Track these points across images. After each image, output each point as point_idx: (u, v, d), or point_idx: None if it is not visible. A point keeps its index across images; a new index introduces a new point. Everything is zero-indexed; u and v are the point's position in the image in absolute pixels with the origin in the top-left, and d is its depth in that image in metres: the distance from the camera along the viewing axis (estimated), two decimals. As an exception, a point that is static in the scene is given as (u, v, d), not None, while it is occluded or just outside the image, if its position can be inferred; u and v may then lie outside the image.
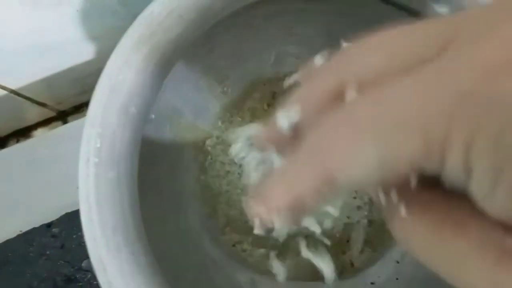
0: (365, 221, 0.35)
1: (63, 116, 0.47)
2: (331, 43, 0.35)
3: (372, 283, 0.34)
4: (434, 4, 0.25)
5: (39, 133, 0.46)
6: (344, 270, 0.35)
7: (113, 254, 0.22)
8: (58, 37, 0.37)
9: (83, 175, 0.22)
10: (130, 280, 0.22)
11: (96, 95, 0.23)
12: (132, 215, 0.23)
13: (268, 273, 0.35)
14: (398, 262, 0.34)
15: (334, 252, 0.35)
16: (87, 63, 0.41)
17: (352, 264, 0.35)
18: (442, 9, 0.25)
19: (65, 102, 0.46)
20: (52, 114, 0.47)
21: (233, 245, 0.35)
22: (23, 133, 0.47)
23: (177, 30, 0.24)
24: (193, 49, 0.29)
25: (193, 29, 0.25)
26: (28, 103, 0.43)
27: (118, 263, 0.22)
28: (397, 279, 0.33)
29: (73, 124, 0.41)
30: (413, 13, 0.27)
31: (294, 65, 0.37)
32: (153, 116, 0.28)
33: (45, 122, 0.47)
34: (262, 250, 0.35)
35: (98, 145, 0.22)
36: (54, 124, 0.47)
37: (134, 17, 0.24)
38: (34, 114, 0.46)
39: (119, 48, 0.23)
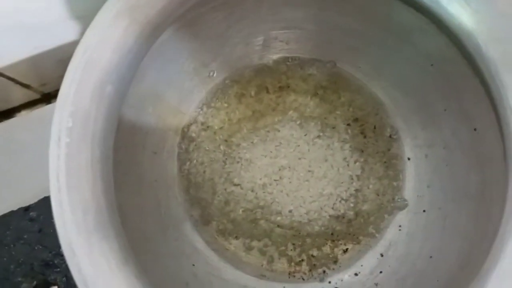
0: (351, 213, 0.34)
1: (47, 98, 0.46)
2: (320, 29, 0.34)
3: (355, 274, 0.34)
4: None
5: (22, 115, 0.45)
6: (327, 261, 0.34)
7: (83, 237, 0.21)
8: (44, 15, 0.36)
9: (54, 155, 0.21)
10: (100, 264, 0.21)
11: (69, 72, 0.22)
12: (106, 198, 0.22)
13: (249, 264, 0.35)
14: (382, 256, 0.34)
15: (318, 244, 0.34)
16: (73, 43, 0.40)
17: (336, 256, 0.34)
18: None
19: (49, 83, 0.45)
20: (36, 96, 0.46)
21: (216, 234, 0.35)
22: (6, 115, 0.46)
23: (159, 4, 0.23)
24: (179, 28, 0.28)
25: (177, 4, 0.24)
26: (11, 84, 0.42)
27: (88, 247, 0.21)
28: (380, 272, 0.33)
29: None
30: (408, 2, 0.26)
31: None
32: (132, 99, 0.27)
33: (29, 104, 0.46)
34: (244, 240, 0.35)
35: (70, 125, 0.21)
36: (38, 106, 0.46)
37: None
38: (17, 95, 0.45)
39: (96, 22, 0.22)
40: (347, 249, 0.34)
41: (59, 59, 0.41)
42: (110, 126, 0.23)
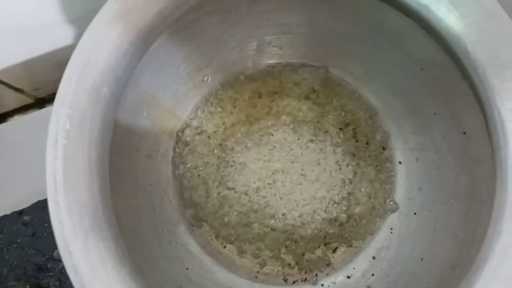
0: (343, 216, 0.35)
1: (41, 103, 0.46)
2: (312, 34, 0.34)
3: (348, 277, 0.34)
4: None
5: (15, 120, 0.45)
6: (320, 264, 0.35)
7: (80, 238, 0.21)
8: (38, 19, 0.36)
9: (51, 156, 0.21)
10: (97, 265, 0.21)
11: (66, 74, 0.22)
12: (102, 199, 0.22)
13: (243, 268, 0.35)
14: (374, 258, 0.34)
15: (311, 247, 0.35)
16: (68, 48, 0.40)
17: (329, 259, 0.35)
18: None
19: (43, 88, 0.45)
20: (29, 101, 0.46)
21: (209, 238, 0.35)
22: (-1, 119, 0.46)
23: (154, 8, 0.23)
24: (174, 32, 0.29)
25: (172, 8, 0.24)
26: (4, 88, 0.42)
27: (84, 248, 0.21)
28: (372, 275, 0.33)
29: (50, 109, 0.40)
30: (397, 7, 0.27)
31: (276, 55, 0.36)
32: (127, 103, 0.28)
33: (22, 109, 0.46)
34: (237, 244, 0.35)
35: (67, 127, 0.21)
36: (31, 111, 0.46)
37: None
38: (10, 100, 0.45)
39: (93, 25, 0.22)
40: (339, 252, 0.35)
41: (53, 64, 0.41)
42: (106, 128, 0.23)
